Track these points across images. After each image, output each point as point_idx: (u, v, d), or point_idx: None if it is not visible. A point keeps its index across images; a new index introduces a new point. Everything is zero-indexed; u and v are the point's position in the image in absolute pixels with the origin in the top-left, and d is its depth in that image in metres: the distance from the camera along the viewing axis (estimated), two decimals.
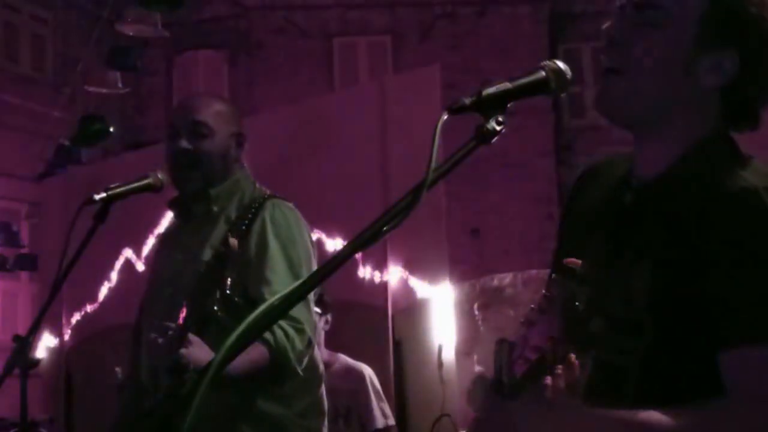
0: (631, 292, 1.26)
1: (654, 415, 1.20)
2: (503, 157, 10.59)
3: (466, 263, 8.99)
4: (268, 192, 2.47)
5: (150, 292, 2.53)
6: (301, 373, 2.31)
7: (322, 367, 2.55)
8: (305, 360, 2.32)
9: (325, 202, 4.61)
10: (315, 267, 2.39)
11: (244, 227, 2.34)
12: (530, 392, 1.19)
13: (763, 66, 1.35)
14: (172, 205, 2.51)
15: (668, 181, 1.35)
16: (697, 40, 1.33)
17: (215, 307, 1.95)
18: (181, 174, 2.39)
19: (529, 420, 1.19)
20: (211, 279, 2.06)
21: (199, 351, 2.01)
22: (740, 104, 1.37)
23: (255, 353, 2.17)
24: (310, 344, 2.31)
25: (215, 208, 2.43)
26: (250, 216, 2.36)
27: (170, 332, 2.07)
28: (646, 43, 1.34)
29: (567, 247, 1.48)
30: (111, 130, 8.49)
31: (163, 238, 2.70)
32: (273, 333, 2.21)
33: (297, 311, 2.24)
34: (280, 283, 2.26)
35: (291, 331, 2.24)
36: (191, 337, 2.03)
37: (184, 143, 2.39)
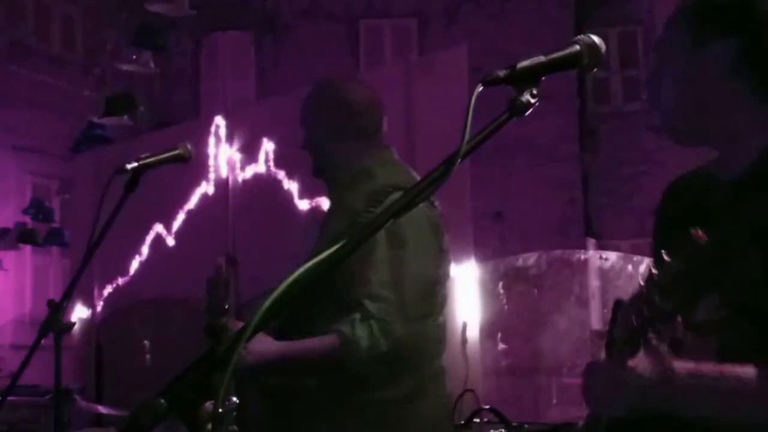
0: (746, 277, 1.29)
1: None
2: (527, 142, 10.56)
3: (488, 246, 9.01)
4: (407, 179, 2.27)
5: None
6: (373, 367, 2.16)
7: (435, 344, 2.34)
8: (385, 357, 2.16)
9: None
10: (435, 268, 2.28)
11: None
12: (642, 349, 1.23)
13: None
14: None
15: (760, 172, 1.40)
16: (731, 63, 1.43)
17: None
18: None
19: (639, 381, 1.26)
20: (350, 266, 2.01)
21: None
22: None
23: (325, 344, 2.15)
24: (395, 346, 2.15)
25: (344, 195, 2.35)
26: (372, 209, 2.19)
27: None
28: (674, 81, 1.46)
29: (665, 241, 1.53)
30: (142, 109, 8.58)
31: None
32: (353, 328, 2.13)
33: (386, 312, 2.13)
34: (379, 285, 2.15)
35: (376, 330, 2.13)
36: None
37: (300, 139, 2.47)
